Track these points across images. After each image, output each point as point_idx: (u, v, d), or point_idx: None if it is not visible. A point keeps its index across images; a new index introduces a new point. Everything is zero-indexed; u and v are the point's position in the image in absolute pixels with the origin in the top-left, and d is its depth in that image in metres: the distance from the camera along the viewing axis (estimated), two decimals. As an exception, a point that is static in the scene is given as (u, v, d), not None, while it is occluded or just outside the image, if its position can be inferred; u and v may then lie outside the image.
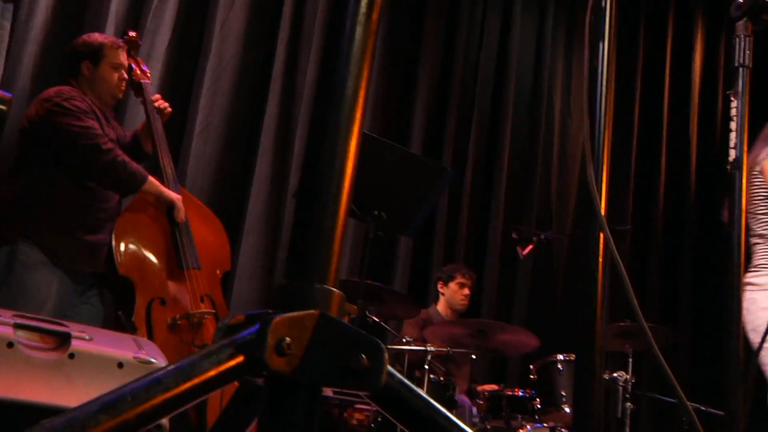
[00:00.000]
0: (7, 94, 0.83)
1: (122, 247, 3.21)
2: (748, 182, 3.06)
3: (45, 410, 1.43)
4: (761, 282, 3.01)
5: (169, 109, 3.50)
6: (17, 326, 1.52)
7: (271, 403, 0.74)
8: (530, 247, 4.78)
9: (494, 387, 4.64)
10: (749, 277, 3.05)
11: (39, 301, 2.97)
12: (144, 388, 0.70)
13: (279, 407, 0.74)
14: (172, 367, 0.72)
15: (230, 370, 0.72)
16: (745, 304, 2.96)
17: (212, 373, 0.71)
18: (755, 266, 3.08)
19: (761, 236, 3.07)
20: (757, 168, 3.06)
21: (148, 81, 3.53)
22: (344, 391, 0.76)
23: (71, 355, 1.57)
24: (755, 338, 2.84)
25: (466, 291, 4.85)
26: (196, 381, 0.71)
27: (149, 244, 3.28)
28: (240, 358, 0.72)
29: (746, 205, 3.01)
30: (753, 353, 1.49)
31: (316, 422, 0.74)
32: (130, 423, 0.68)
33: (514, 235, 4.90)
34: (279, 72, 4.94)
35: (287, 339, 0.72)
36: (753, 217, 3.10)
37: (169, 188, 3.33)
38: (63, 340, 1.57)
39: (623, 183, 6.53)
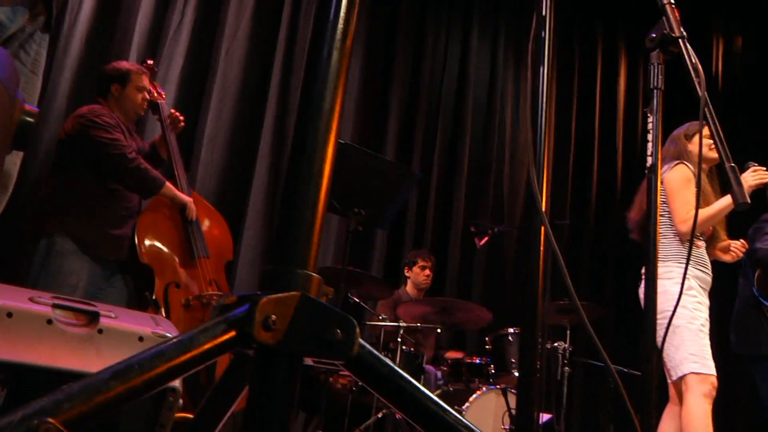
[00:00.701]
0: (35, 108, 0.81)
1: (144, 240, 3.21)
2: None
3: (78, 375, 1.43)
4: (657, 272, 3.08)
5: (183, 122, 3.52)
6: (55, 306, 1.51)
7: (259, 370, 0.73)
8: (486, 238, 4.80)
9: (459, 354, 4.66)
10: (644, 269, 3.09)
11: (72, 284, 2.97)
12: (150, 359, 0.68)
13: (266, 374, 0.73)
14: (174, 340, 0.70)
15: (223, 344, 0.71)
16: (641, 290, 3.08)
17: (208, 345, 0.70)
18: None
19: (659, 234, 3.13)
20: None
21: (163, 101, 3.54)
22: (322, 360, 0.75)
23: (100, 331, 1.56)
24: (659, 316, 2.96)
25: (427, 272, 4.84)
26: (194, 353, 0.69)
27: (166, 237, 3.28)
28: (232, 333, 0.71)
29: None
30: (666, 328, 1.50)
31: (297, 386, 0.73)
32: (137, 388, 0.67)
33: (472, 228, 4.92)
34: (275, 91, 4.92)
35: (273, 316, 0.71)
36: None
37: (182, 191, 3.35)
38: (93, 317, 1.56)
39: (562, 185, 6.58)
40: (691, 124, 3.25)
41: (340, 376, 3.93)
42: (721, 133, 1.54)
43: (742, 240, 3.36)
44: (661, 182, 3.12)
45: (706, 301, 3.15)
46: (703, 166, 3.16)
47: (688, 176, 3.09)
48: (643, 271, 3.09)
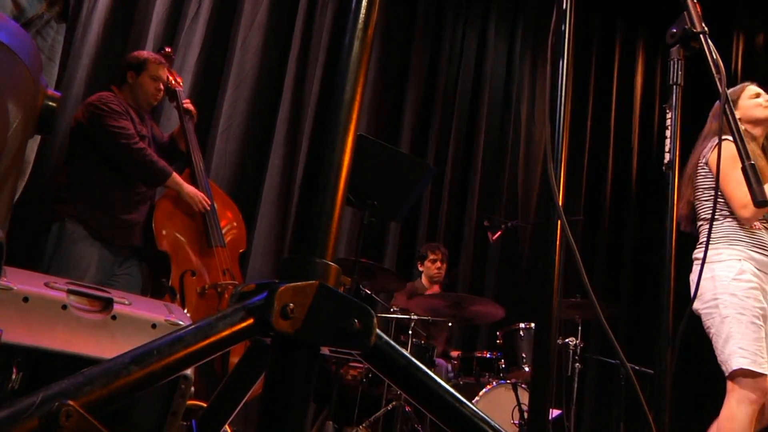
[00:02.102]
0: (57, 93, 0.82)
1: (162, 227, 3.23)
2: (695, 174, 2.95)
3: (92, 361, 1.44)
4: (702, 256, 2.85)
5: (195, 111, 3.53)
6: (70, 292, 1.53)
7: (276, 359, 0.73)
8: (499, 232, 4.79)
9: (459, 353, 4.68)
10: (695, 254, 2.91)
11: (82, 268, 3.00)
12: (168, 344, 0.69)
13: (283, 363, 0.73)
14: (193, 326, 0.71)
15: (241, 331, 0.71)
16: (692, 276, 2.84)
17: (226, 332, 0.70)
18: (699, 243, 2.93)
19: (705, 219, 2.91)
20: (703, 160, 2.92)
21: (180, 89, 3.54)
22: (339, 349, 0.75)
23: (114, 317, 1.58)
24: (697, 305, 2.75)
25: (438, 264, 4.83)
26: (212, 339, 0.70)
27: (183, 225, 3.30)
28: (250, 321, 0.71)
29: (692, 195, 2.97)
30: (683, 318, 1.47)
31: (314, 376, 0.74)
32: (156, 373, 0.67)
33: (485, 223, 4.90)
34: (290, 82, 4.92)
35: (291, 305, 0.72)
36: (699, 204, 2.94)
37: (200, 180, 3.37)
38: (107, 304, 1.58)
39: (577, 181, 6.54)
40: (732, 90, 2.99)
41: (350, 367, 3.94)
42: (741, 131, 1.53)
43: None
44: (705, 164, 2.90)
45: (767, 287, 2.80)
46: (758, 131, 2.91)
47: (733, 154, 2.81)
48: (693, 256, 2.90)
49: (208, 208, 3.32)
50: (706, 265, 2.76)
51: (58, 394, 0.61)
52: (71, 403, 0.60)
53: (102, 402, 0.64)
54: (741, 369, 2.61)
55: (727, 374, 2.68)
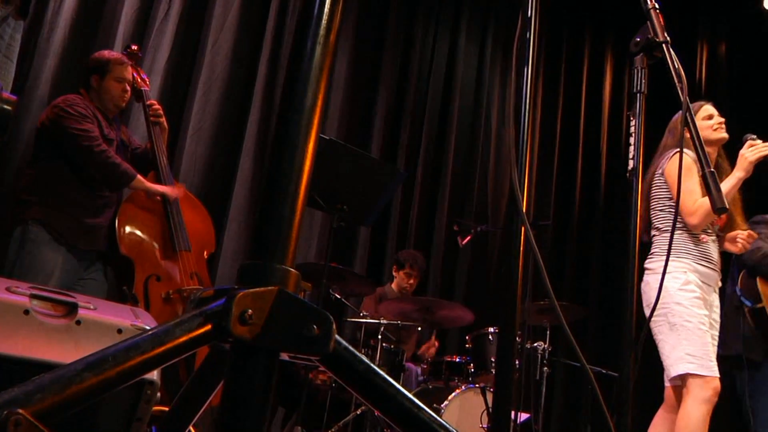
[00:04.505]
0: (13, 96, 0.80)
1: (124, 230, 3.18)
2: (652, 185, 3.07)
3: (55, 367, 1.42)
4: (654, 267, 3.01)
5: (161, 114, 3.47)
6: (32, 296, 1.50)
7: (235, 365, 0.73)
8: (469, 237, 4.81)
9: (432, 343, 4.68)
10: (647, 263, 3.04)
11: (46, 273, 2.95)
12: (124, 351, 0.68)
13: (242, 369, 0.73)
14: (150, 333, 0.70)
15: (199, 337, 0.71)
16: (642, 286, 2.99)
17: (183, 339, 0.70)
18: (651, 254, 3.07)
19: (658, 229, 3.05)
20: (659, 171, 3.05)
21: (147, 88, 3.49)
22: (298, 355, 0.75)
23: (78, 322, 1.55)
24: (648, 312, 2.88)
25: (412, 281, 4.77)
26: (169, 345, 0.69)
27: (147, 229, 3.25)
28: (208, 327, 0.71)
29: (648, 204, 3.06)
30: (644, 326, 1.50)
31: (273, 381, 0.73)
32: (111, 380, 0.66)
33: (455, 228, 4.92)
34: (260, 85, 4.90)
35: (249, 310, 0.71)
36: (654, 213, 3.07)
37: (164, 180, 3.31)
38: (71, 308, 1.55)
39: (546, 186, 6.61)
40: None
41: (320, 371, 3.92)
42: (702, 139, 1.56)
43: (749, 231, 3.13)
44: (662, 174, 3.02)
45: (711, 298, 2.98)
46: (710, 149, 3.03)
47: (688, 164, 2.90)
48: (645, 265, 3.02)
49: (176, 197, 3.28)
50: (654, 276, 2.91)
51: (7, 402, 0.60)
52: (21, 411, 0.59)
53: (54, 410, 0.62)
54: (689, 374, 2.75)
55: (670, 378, 2.84)
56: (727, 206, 1.56)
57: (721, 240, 3.11)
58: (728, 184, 2.87)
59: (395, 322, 4.09)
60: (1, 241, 3.17)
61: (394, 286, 4.90)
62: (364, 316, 4.12)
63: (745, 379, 3.64)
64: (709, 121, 3.14)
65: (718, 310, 3.04)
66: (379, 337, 3.88)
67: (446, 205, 5.97)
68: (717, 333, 3.02)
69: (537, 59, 1.40)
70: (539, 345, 4.19)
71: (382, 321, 3.95)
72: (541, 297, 4.25)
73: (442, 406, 3.83)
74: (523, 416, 4.03)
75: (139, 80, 3.46)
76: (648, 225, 3.11)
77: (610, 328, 6.12)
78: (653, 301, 2.77)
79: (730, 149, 3.16)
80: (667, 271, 2.87)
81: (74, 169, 3.10)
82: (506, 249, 1.33)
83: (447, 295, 5.64)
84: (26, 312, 1.46)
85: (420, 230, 5.84)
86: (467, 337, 4.32)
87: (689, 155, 2.88)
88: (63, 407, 0.63)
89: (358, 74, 5.59)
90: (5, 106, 0.80)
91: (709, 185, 1.50)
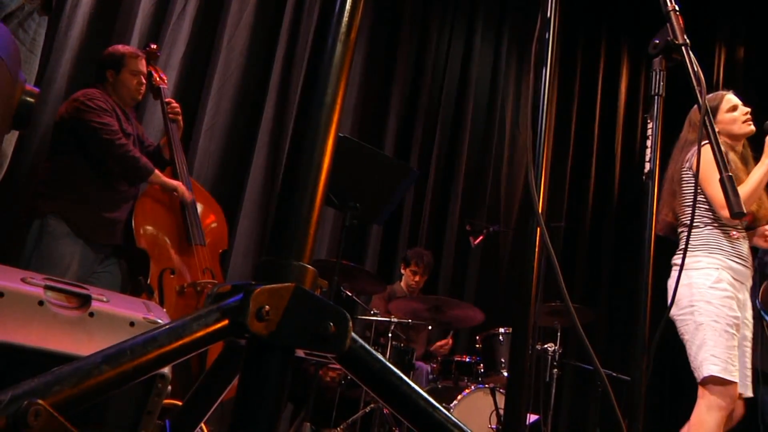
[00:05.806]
0: (36, 89, 0.81)
1: (141, 225, 3.20)
2: (679, 180, 2.95)
3: (68, 358, 1.43)
4: (680, 262, 2.89)
5: (179, 112, 3.49)
6: (47, 287, 1.50)
7: (251, 361, 0.73)
8: (481, 237, 4.80)
9: (445, 342, 4.67)
10: (674, 259, 2.93)
11: (64, 266, 2.96)
12: (142, 344, 0.68)
13: (257, 365, 0.73)
14: (167, 327, 0.70)
15: (216, 332, 0.71)
16: (669, 282, 2.86)
17: (200, 333, 0.70)
18: (678, 250, 2.96)
19: (685, 225, 2.93)
20: (687, 165, 2.93)
21: (165, 86, 3.51)
22: (314, 353, 0.75)
23: (91, 314, 1.55)
24: (673, 311, 2.78)
25: (417, 278, 4.76)
26: (186, 340, 0.69)
27: (163, 223, 3.27)
28: (225, 322, 0.71)
29: (674, 201, 2.98)
30: (657, 330, 1.49)
31: (288, 378, 0.73)
32: (128, 373, 0.66)
33: (467, 227, 4.91)
34: (275, 81, 4.91)
35: (266, 307, 0.71)
36: (681, 210, 2.95)
37: (182, 179, 3.33)
38: (85, 300, 1.56)
39: (559, 188, 6.58)
40: (710, 98, 2.99)
41: (329, 369, 3.93)
42: (719, 142, 1.55)
43: None
44: (689, 168, 2.90)
45: (743, 297, 2.85)
46: (734, 143, 2.95)
47: (713, 158, 2.83)
48: (672, 261, 2.92)
49: (190, 199, 3.30)
50: (684, 272, 2.79)
51: (26, 392, 0.60)
52: (40, 402, 0.59)
53: (72, 401, 0.63)
54: (711, 376, 2.65)
55: (698, 380, 2.72)
56: (744, 211, 1.54)
57: (749, 235, 2.99)
58: (758, 173, 2.78)
59: (406, 321, 4.09)
60: (16, 233, 3.19)
61: (402, 284, 4.90)
62: (375, 314, 4.12)
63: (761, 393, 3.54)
64: (734, 113, 3.00)
65: (750, 310, 2.92)
66: (390, 335, 3.88)
67: (458, 204, 5.96)
68: (750, 333, 2.89)
69: (554, 60, 1.39)
70: (550, 347, 4.18)
71: (392, 319, 3.95)
72: (552, 298, 4.24)
73: (452, 405, 3.83)
74: (533, 418, 4.03)
75: (157, 78, 3.48)
76: (675, 221, 3.00)
77: (620, 331, 6.09)
78: (682, 297, 2.74)
79: (751, 141, 3.07)
80: (699, 267, 2.78)
81: (92, 163, 3.12)
82: (519, 250, 1.32)
83: (458, 295, 5.63)
84: (40, 303, 1.48)
85: (432, 229, 5.83)
86: (477, 338, 4.32)
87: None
88: (81, 399, 0.63)
89: (372, 72, 5.59)
90: (28, 98, 0.80)
91: (727, 190, 1.49)
